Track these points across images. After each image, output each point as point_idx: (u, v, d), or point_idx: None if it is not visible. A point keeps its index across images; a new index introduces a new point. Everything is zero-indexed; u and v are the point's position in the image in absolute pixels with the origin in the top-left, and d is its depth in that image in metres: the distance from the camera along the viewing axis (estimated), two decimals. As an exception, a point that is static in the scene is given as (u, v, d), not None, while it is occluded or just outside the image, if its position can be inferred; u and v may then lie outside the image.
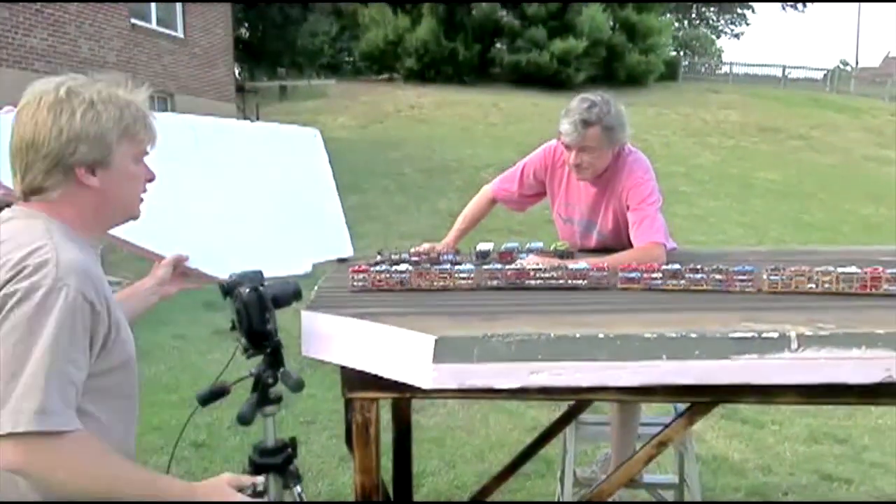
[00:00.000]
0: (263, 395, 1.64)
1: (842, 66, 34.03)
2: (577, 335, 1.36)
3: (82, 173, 1.28)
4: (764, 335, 1.36)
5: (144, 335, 4.91)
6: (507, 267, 1.80)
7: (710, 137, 18.53)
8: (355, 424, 1.66)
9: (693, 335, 1.36)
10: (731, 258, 2.17)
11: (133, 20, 11.82)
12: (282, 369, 1.62)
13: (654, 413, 3.18)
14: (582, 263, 1.81)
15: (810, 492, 3.39)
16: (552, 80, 22.59)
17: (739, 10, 40.30)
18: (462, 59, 22.61)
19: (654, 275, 1.76)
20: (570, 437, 2.80)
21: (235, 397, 1.68)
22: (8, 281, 1.17)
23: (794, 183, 14.52)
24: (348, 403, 1.67)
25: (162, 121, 1.38)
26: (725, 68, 29.58)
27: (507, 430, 4.19)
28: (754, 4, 39.44)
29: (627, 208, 2.27)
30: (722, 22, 41.16)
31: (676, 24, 35.59)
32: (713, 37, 37.61)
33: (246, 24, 24.59)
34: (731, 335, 1.36)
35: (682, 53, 32.36)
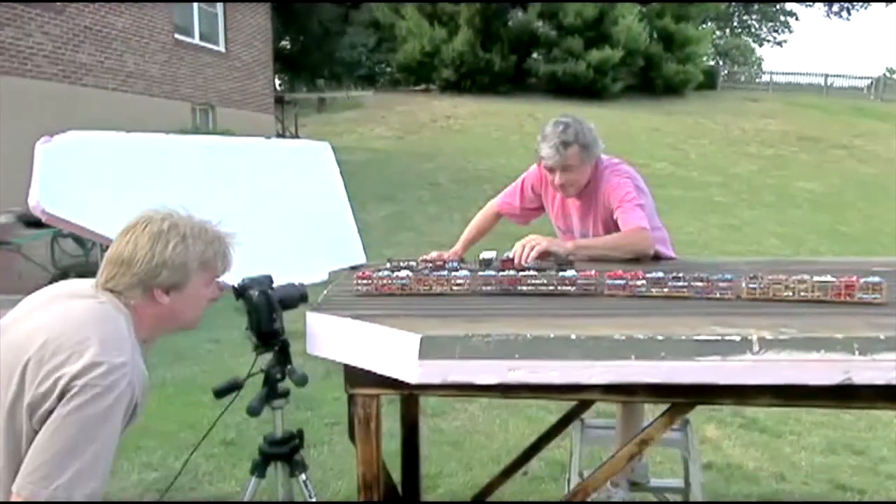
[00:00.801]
0: (272, 390, 1.79)
1: (888, 75, 33.24)
2: (552, 336, 1.48)
3: (159, 293, 1.51)
4: (726, 338, 1.46)
5: (182, 339, 5.14)
6: (501, 274, 1.92)
7: (749, 147, 18.35)
8: (357, 419, 1.80)
9: (660, 337, 1.46)
10: (727, 268, 2.25)
11: (177, 35, 12.25)
12: (289, 366, 1.77)
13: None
14: (571, 271, 1.92)
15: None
16: (588, 90, 22.65)
17: (783, 18, 39.76)
18: (498, 70, 22.78)
19: (639, 282, 1.86)
20: (576, 439, 2.91)
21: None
22: (90, 364, 1.36)
23: (833, 193, 14.31)
24: (351, 399, 1.80)
25: (179, 142, 1.55)
26: (765, 77, 29.19)
27: (525, 435, 4.28)
28: (798, 12, 38.77)
29: (613, 211, 2.40)
30: (765, 30, 40.64)
31: (718, 33, 35.27)
32: (754, 45, 37.12)
33: (287, 37, 25.13)
34: (695, 338, 1.46)
35: (720, 62, 32.04)
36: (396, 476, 2.62)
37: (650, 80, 24.25)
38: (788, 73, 29.07)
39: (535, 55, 24.33)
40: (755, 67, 33.91)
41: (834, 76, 28.87)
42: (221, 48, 13.79)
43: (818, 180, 15.21)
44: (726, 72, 29.53)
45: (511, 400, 4.71)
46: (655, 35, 23.97)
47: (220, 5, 13.67)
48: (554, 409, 4.50)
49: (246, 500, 1.91)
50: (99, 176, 1.77)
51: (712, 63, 30.47)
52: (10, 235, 7.55)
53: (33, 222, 7.67)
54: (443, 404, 4.61)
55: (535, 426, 4.46)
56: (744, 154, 17.53)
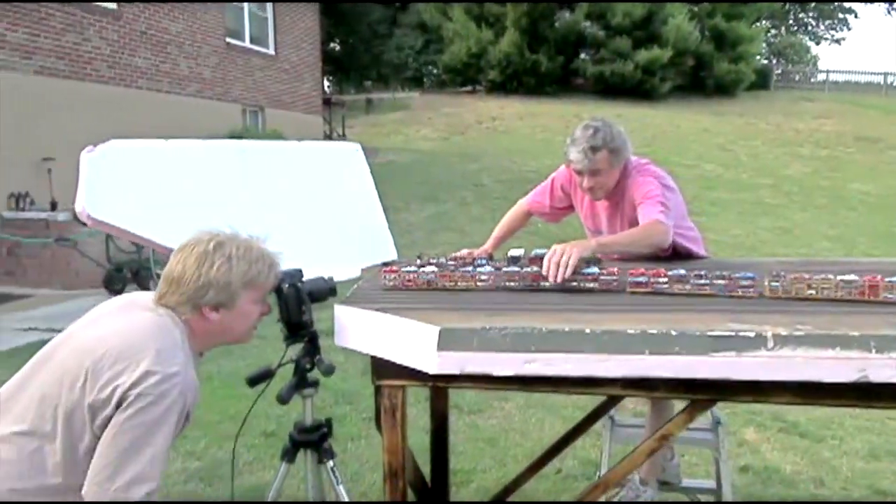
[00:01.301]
0: (301, 379, 1.87)
1: (954, 72, 31.98)
2: (567, 329, 1.52)
3: (207, 311, 1.62)
4: (741, 334, 1.48)
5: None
6: (524, 270, 1.97)
7: (802, 148, 17.90)
8: (384, 409, 1.86)
9: (674, 332, 1.49)
10: (755, 267, 2.25)
11: (228, 39, 12.56)
12: (317, 356, 1.85)
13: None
14: (594, 268, 1.95)
15: (861, 507, 3.36)
16: (637, 90, 22.40)
17: (841, 15, 38.62)
18: (545, 71, 22.70)
19: (661, 279, 1.88)
20: (606, 438, 2.93)
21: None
22: (144, 374, 1.47)
23: (889, 195, 13.87)
24: (377, 390, 1.87)
25: (214, 147, 1.64)
26: (821, 76, 28.39)
27: (559, 434, 4.27)
28: (857, 9, 37.60)
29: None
30: (822, 27, 39.53)
31: (773, 31, 34.46)
32: (810, 43, 36.13)
33: (336, 39, 25.49)
34: (709, 333, 1.48)
35: (774, 61, 31.29)
36: (428, 471, 2.69)
37: (700, 79, 23.85)
38: (846, 72, 28.22)
39: (582, 56, 24.17)
40: (810, 66, 33.00)
41: (895, 75, 27.93)
42: (271, 51, 14.09)
43: (874, 182, 14.76)
44: (780, 71, 28.81)
45: (547, 399, 4.72)
46: (706, 34, 23.56)
47: (269, 7, 13.97)
48: (590, 409, 4.51)
49: (276, 483, 1.99)
50: (139, 182, 1.87)
51: (765, 62, 29.79)
52: (68, 232, 7.86)
53: (89, 220, 7.99)
54: (480, 402, 4.65)
55: (570, 426, 4.47)
56: (796, 155, 17.11)
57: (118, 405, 1.46)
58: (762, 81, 25.73)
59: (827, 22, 39.14)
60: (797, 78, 28.46)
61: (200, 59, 11.74)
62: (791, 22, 38.52)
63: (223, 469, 3.70)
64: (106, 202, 1.73)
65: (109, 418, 1.47)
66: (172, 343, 1.55)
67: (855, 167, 16.08)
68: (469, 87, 24.61)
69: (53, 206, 8.24)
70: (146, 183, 1.87)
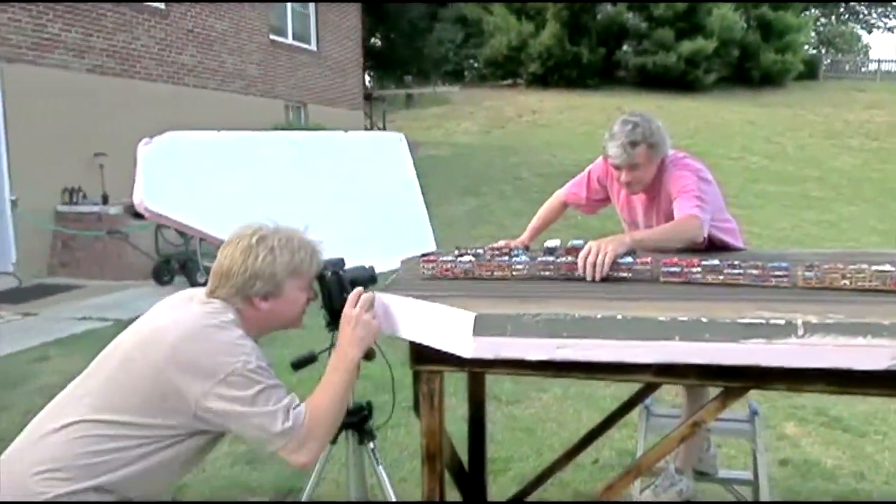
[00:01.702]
0: (343, 363, 1.94)
1: None
2: (599, 316, 1.56)
3: (257, 301, 1.73)
4: (771, 322, 1.50)
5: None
6: (559, 260, 2.01)
7: (852, 139, 17.46)
8: (422, 394, 1.93)
9: (704, 319, 1.52)
10: (790, 258, 2.26)
11: (272, 36, 12.78)
12: (359, 341, 1.91)
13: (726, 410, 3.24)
14: (628, 258, 1.99)
15: (904, 501, 3.33)
16: (680, 82, 22.09)
17: (895, 3, 37.38)
18: (586, 63, 22.52)
19: (694, 269, 1.91)
20: (641, 427, 2.95)
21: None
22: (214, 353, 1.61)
23: (943, 188, 13.45)
24: (416, 375, 1.94)
25: (266, 138, 1.72)
26: (873, 65, 27.57)
27: (596, 423, 4.33)
28: (911, -5, 36.37)
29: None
30: (874, 15, 38.35)
31: (822, 20, 33.56)
32: (861, 32, 35.06)
33: (377, 35, 25.66)
34: (739, 320, 1.51)
35: (823, 51, 30.49)
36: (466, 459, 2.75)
37: (746, 70, 23.39)
38: (899, 61, 27.41)
39: (624, 47, 23.93)
40: (861, 55, 32.07)
41: (951, 63, 27.01)
42: (314, 47, 14.28)
43: (927, 174, 14.34)
44: (829, 61, 28.06)
45: (584, 391, 4.75)
46: (752, 24, 23.09)
47: (311, 6, 14.15)
48: (626, 400, 4.53)
49: (319, 463, 2.07)
50: (194, 173, 1.96)
51: (814, 52, 29.06)
52: (119, 225, 8.13)
53: (140, 213, 8.24)
54: (518, 393, 4.71)
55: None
56: (845, 147, 16.71)
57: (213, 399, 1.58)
58: (811, 72, 25.13)
59: (879, 9, 37.96)
60: (847, 67, 27.68)
61: (245, 56, 11.97)
62: (842, 10, 37.46)
63: (264, 453, 3.82)
64: (162, 194, 1.82)
65: (185, 399, 1.57)
66: (232, 327, 1.66)
67: (907, 159, 15.64)
68: (509, 81, 24.56)
69: (105, 200, 8.52)
70: (200, 174, 1.96)
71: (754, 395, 3.74)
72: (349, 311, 1.77)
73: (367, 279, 1.93)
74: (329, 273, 1.82)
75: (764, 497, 2.75)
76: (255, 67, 12.27)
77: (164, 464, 1.63)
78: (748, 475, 3.06)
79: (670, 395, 4.13)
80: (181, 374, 1.57)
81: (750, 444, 2.91)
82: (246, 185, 2.03)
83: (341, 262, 1.88)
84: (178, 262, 7.87)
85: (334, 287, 1.82)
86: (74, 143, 8.57)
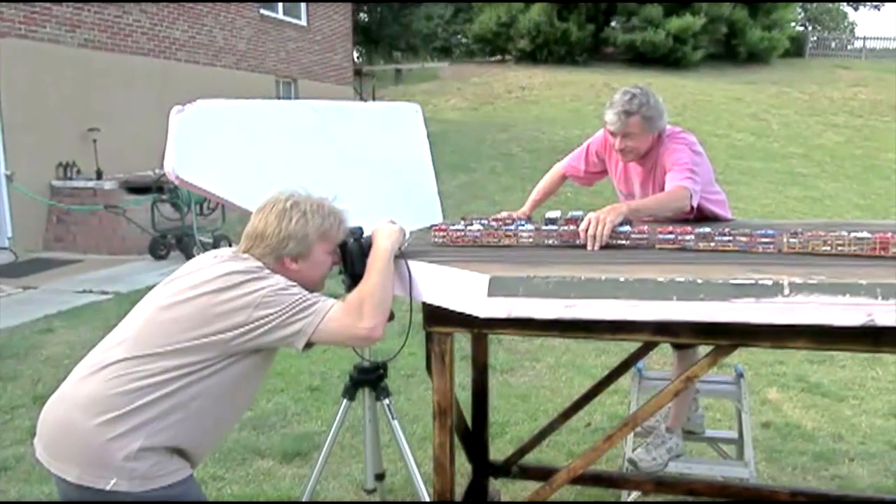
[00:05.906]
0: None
1: None
2: (603, 278, 1.71)
3: (288, 261, 1.85)
4: (760, 282, 1.65)
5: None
6: (562, 228, 2.15)
7: (836, 116, 17.67)
8: (434, 354, 2.07)
9: (699, 280, 1.67)
10: (776, 226, 2.40)
11: (262, 10, 12.74)
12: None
13: (713, 372, 3.42)
14: (626, 227, 2.13)
15: (878, 460, 3.53)
16: (668, 58, 22.18)
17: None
18: (574, 40, 22.51)
19: (687, 237, 2.06)
20: (634, 388, 3.13)
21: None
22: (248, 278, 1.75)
23: (925, 165, 13.70)
24: (428, 336, 2.08)
25: (291, 107, 1.82)
26: (858, 43, 27.75)
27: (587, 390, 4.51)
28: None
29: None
30: (861, -9, 38.41)
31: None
32: (848, 8, 35.13)
33: (365, 9, 25.48)
34: (731, 281, 1.66)
35: (810, 28, 30.63)
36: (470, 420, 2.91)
37: (733, 47, 23.50)
38: (885, 39, 27.62)
39: (612, 24, 23.90)
40: (847, 33, 32.24)
41: (935, 41, 27.22)
42: (303, 22, 14.23)
43: (909, 151, 14.57)
44: (815, 38, 28.22)
45: (576, 360, 4.93)
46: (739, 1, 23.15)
47: (301, -21, 14.09)
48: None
49: (339, 417, 2.21)
50: (222, 142, 2.05)
51: (801, 29, 29.18)
52: (115, 200, 8.18)
53: (135, 188, 8.30)
54: (511, 362, 4.88)
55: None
56: (830, 124, 16.91)
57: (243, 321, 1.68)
58: (797, 49, 25.28)
59: (866, -14, 38.04)
60: (833, 45, 27.85)
61: (235, 31, 11.94)
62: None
63: (272, 419, 3.98)
64: (193, 163, 1.92)
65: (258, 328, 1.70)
66: (260, 269, 1.80)
67: (890, 136, 15.84)
68: (498, 57, 24.51)
69: (99, 175, 8.55)
70: (229, 143, 2.04)
71: (739, 362, 3.92)
72: (382, 226, 1.95)
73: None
74: (351, 240, 1.95)
75: (748, 453, 2.94)
76: (246, 42, 12.24)
77: (214, 393, 1.72)
78: (733, 434, 3.24)
79: (658, 366, 4.31)
80: (222, 307, 1.69)
81: (735, 405, 3.09)
82: (270, 153, 2.13)
83: (360, 230, 2.01)
84: (175, 236, 7.95)
85: (356, 253, 1.95)
86: (67, 117, 8.58)
